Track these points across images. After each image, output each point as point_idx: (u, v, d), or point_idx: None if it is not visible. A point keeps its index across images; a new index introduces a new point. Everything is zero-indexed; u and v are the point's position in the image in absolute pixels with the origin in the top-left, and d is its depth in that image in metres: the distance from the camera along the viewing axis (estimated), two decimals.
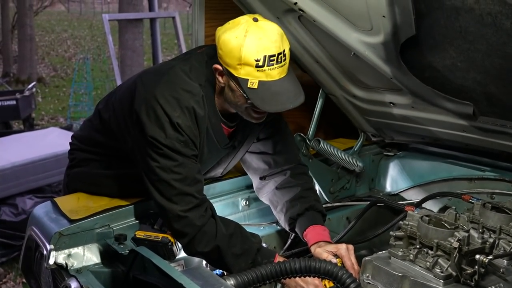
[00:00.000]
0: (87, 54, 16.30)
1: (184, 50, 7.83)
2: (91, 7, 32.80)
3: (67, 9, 31.35)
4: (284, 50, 2.05)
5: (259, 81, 2.02)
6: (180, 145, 2.08)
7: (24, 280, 4.65)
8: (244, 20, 2.05)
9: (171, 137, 2.06)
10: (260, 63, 2.00)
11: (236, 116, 2.28)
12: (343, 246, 2.24)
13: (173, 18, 9.64)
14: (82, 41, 22.19)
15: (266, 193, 2.53)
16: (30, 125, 9.11)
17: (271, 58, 2.00)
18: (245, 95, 2.05)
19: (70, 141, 2.60)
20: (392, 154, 3.12)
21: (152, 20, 9.78)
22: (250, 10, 2.54)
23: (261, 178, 2.53)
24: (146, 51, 12.57)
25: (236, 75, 2.04)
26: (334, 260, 2.20)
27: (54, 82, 14.79)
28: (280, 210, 2.48)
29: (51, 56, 19.09)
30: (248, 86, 2.02)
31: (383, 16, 2.04)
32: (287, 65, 2.08)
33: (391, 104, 2.59)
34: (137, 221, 2.31)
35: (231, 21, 2.09)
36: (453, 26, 1.97)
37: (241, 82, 2.03)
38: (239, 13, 2.65)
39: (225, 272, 2.23)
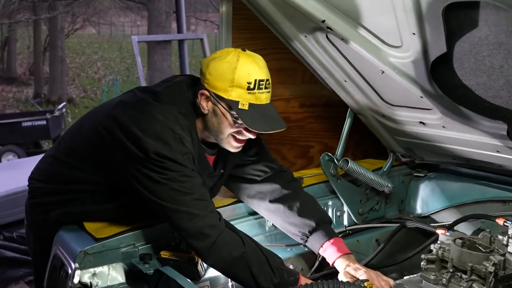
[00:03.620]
0: (116, 75, 16.59)
1: None
2: (121, 29, 33.37)
3: (97, 32, 31.96)
4: (269, 79, 2.16)
5: (249, 104, 2.10)
6: (184, 159, 2.07)
7: None
8: (233, 50, 2.15)
9: (176, 150, 2.06)
10: (251, 86, 2.09)
11: (214, 144, 2.30)
12: (367, 272, 2.24)
13: (201, 39, 9.74)
14: (111, 63, 22.59)
15: (259, 203, 2.51)
16: None
17: (261, 83, 2.11)
18: (235, 116, 2.11)
19: (30, 184, 2.44)
20: (423, 175, 3.05)
21: (181, 42, 9.90)
22: (277, 29, 2.54)
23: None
24: (174, 72, 12.70)
25: (226, 97, 2.10)
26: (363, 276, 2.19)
27: (84, 103, 15.04)
28: (287, 224, 2.47)
29: (81, 77, 19.45)
30: (239, 107, 2.09)
31: (413, 34, 2.00)
32: (270, 93, 2.19)
33: (422, 124, 2.54)
34: (162, 241, 2.28)
35: (218, 52, 2.20)
36: (487, 42, 1.92)
37: (231, 104, 2.10)
38: (265, 32, 2.66)
39: None
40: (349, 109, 2.82)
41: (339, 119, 3.04)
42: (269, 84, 2.15)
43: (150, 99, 2.17)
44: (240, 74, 2.08)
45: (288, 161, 3.17)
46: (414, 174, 3.08)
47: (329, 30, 2.26)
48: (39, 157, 6.59)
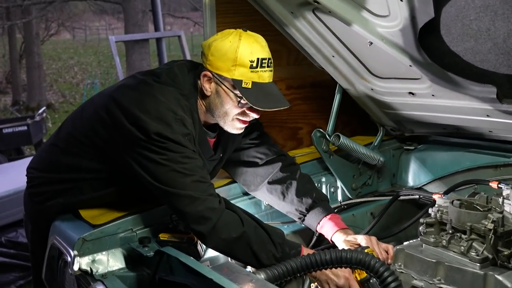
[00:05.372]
0: (94, 79, 16.45)
1: None
2: (96, 33, 33.10)
3: (72, 36, 31.68)
4: (271, 58, 2.17)
5: (253, 82, 2.11)
6: (185, 140, 2.07)
7: None
8: (234, 30, 2.16)
9: (177, 131, 2.05)
10: (254, 64, 2.10)
11: (215, 126, 2.31)
12: (366, 238, 2.29)
13: (179, 37, 9.73)
14: (88, 67, 22.39)
15: (258, 186, 2.52)
16: None
17: (263, 61, 2.13)
18: (239, 95, 2.12)
19: (28, 174, 2.42)
20: (413, 147, 3.07)
21: (158, 40, 9.86)
22: (263, 7, 2.53)
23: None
24: None
25: (229, 77, 2.11)
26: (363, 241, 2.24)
27: (63, 108, 14.88)
28: (285, 203, 2.49)
29: (59, 83, 19.25)
30: (242, 86, 2.10)
31: (401, 0, 2.01)
32: (273, 72, 2.19)
33: (411, 94, 2.55)
34: (160, 224, 2.27)
35: (219, 33, 2.20)
36: (473, 5, 1.94)
37: (235, 83, 2.11)
38: (249, 15, 2.66)
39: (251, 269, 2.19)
40: (338, 85, 2.83)
41: (327, 100, 3.05)
42: (271, 63, 2.16)
43: (152, 81, 2.16)
44: (243, 53, 2.09)
45: (277, 144, 3.17)
46: (404, 147, 3.10)
47: (316, 3, 2.26)
48: (22, 161, 6.56)
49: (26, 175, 2.43)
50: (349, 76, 2.71)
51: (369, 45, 2.34)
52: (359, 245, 2.24)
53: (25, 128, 8.75)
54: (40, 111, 9.51)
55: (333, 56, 2.62)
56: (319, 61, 2.73)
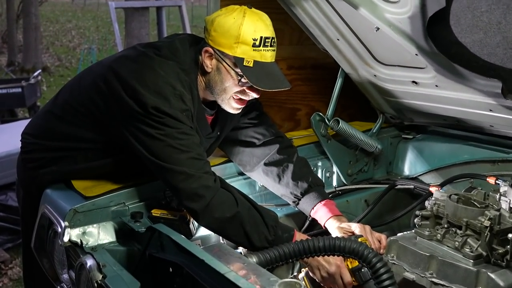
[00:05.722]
0: (91, 44, 16.26)
1: None
2: None
3: (71, 0, 31.30)
4: (275, 37, 2.14)
5: (254, 61, 2.08)
6: (182, 116, 2.04)
7: None
8: (238, 7, 2.12)
9: (175, 106, 2.02)
10: (257, 43, 2.07)
11: (214, 104, 2.28)
12: (360, 226, 2.27)
13: (180, 6, 9.59)
14: (86, 31, 22.14)
15: (254, 166, 2.50)
16: (35, 113, 9.04)
17: (266, 40, 2.09)
18: (239, 73, 2.08)
19: (23, 139, 2.39)
20: (411, 137, 3.05)
21: (159, 9, 9.72)
22: None
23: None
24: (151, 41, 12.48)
25: (231, 54, 2.08)
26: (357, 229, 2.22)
27: (59, 72, 14.74)
28: (280, 185, 2.46)
29: (55, 46, 19.03)
30: (244, 64, 2.07)
31: None
32: (275, 52, 2.16)
33: (414, 83, 2.52)
34: (153, 200, 2.24)
35: (223, 9, 2.15)
36: None
37: (236, 61, 2.08)
38: None
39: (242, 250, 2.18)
40: (340, 68, 2.78)
41: (327, 82, 3.01)
42: (274, 42, 2.13)
43: (153, 54, 2.12)
44: (246, 31, 2.05)
45: (275, 124, 3.14)
46: (403, 136, 3.07)
47: None
48: (15, 124, 6.50)
49: (20, 140, 2.40)
50: (352, 61, 2.67)
51: (376, 30, 2.30)
52: (353, 233, 2.23)
53: (19, 90, 8.65)
54: (36, 74, 9.40)
55: (338, 39, 2.58)
56: (323, 44, 2.68)
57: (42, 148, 2.30)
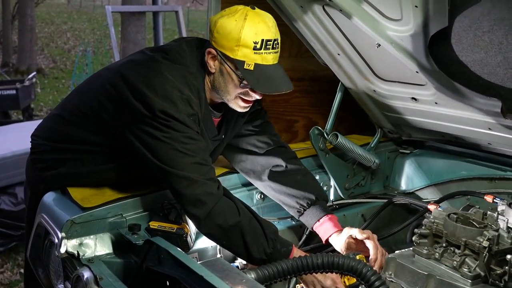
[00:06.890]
0: (86, 46, 16.21)
1: None
2: (91, 0, 32.66)
3: (67, 1, 31.21)
4: (278, 39, 2.11)
5: (255, 64, 2.06)
6: (189, 120, 2.05)
7: (22, 271, 4.57)
8: (242, 7, 2.10)
9: (182, 111, 2.03)
10: (258, 46, 2.05)
11: (220, 106, 2.29)
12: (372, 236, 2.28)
13: (176, 12, 9.58)
14: (81, 33, 22.10)
15: (259, 174, 2.49)
16: (29, 116, 9.02)
17: (268, 43, 2.07)
18: (240, 76, 2.08)
19: (32, 140, 2.41)
20: (408, 151, 3.05)
21: (155, 14, 9.71)
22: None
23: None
24: (148, 45, 12.47)
25: (232, 56, 2.07)
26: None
27: (53, 74, 14.70)
28: (285, 194, 2.45)
29: (50, 47, 18.99)
30: (244, 67, 2.06)
31: (416, 6, 1.97)
32: (279, 53, 2.15)
33: (413, 100, 2.53)
34: (151, 212, 2.24)
35: (227, 9, 2.13)
36: (488, 17, 1.91)
37: (237, 64, 2.07)
38: (254, 2, 2.59)
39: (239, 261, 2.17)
40: (340, 83, 2.79)
41: (325, 94, 3.01)
42: (277, 44, 2.11)
43: (160, 58, 2.13)
44: (247, 34, 2.04)
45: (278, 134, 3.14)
46: (400, 150, 3.07)
47: (328, 0, 2.22)
48: (9, 127, 6.45)
49: (30, 142, 2.42)
50: (352, 76, 2.68)
51: (377, 46, 2.31)
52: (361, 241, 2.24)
53: (13, 92, 8.61)
54: (30, 76, 9.35)
55: (338, 54, 2.58)
56: (324, 58, 2.69)
57: (51, 149, 2.31)
